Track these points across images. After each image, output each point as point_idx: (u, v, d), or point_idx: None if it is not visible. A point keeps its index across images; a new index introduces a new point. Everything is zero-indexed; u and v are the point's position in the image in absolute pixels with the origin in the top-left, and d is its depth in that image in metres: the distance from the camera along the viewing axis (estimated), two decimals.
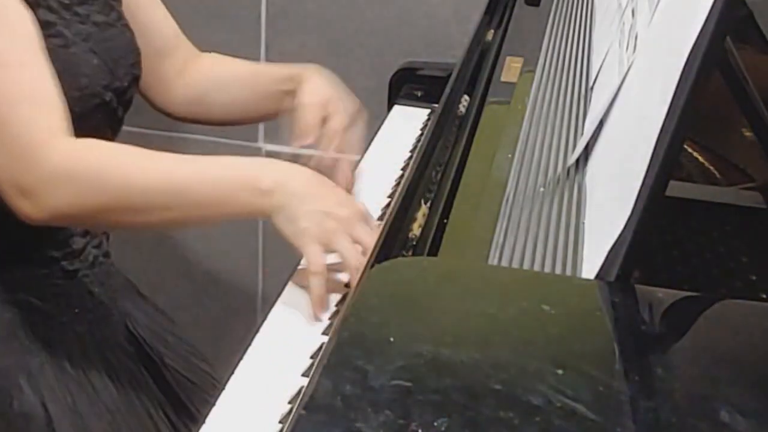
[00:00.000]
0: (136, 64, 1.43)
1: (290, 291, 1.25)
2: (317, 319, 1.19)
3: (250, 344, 1.16)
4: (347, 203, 1.25)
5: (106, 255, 1.47)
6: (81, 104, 1.30)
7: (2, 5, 1.25)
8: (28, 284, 1.37)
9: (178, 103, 1.57)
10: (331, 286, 1.22)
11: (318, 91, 1.47)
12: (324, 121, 1.45)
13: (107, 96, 1.35)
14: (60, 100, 1.25)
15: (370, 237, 1.21)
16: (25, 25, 1.27)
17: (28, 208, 1.22)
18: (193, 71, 1.57)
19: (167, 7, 2.18)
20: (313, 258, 1.20)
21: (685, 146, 1.33)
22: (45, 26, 1.29)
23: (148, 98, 1.56)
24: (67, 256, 1.40)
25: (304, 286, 1.23)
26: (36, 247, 1.35)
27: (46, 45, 1.27)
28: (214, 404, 1.07)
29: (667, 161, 0.89)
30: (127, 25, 1.43)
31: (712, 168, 1.34)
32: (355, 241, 1.22)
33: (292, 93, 1.50)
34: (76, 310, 1.40)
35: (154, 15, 1.53)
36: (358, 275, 1.17)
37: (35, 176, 1.21)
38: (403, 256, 1.15)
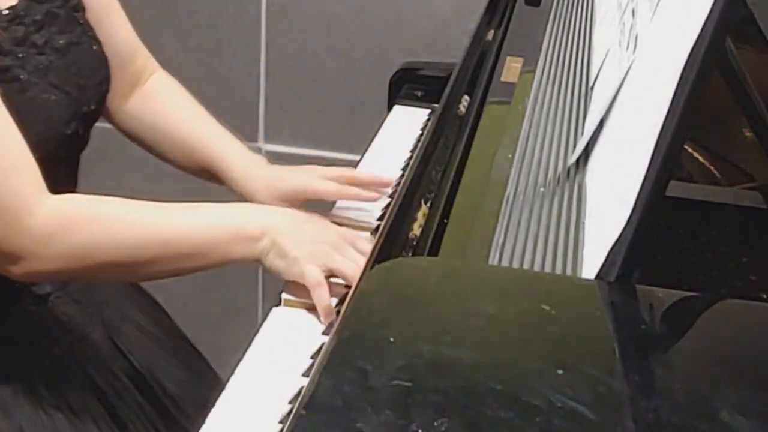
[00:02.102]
0: (106, 79, 1.38)
1: (290, 291, 1.25)
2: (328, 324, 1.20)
3: (250, 344, 1.16)
4: (333, 230, 1.27)
5: None
6: (44, 148, 1.25)
7: None
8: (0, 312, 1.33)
9: (124, 120, 1.50)
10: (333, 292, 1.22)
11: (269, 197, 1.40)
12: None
13: (69, 129, 1.31)
14: (29, 157, 1.20)
15: (359, 257, 1.22)
16: None
17: (18, 272, 1.21)
18: (145, 96, 1.50)
19: (170, 8, 2.19)
20: (310, 274, 1.20)
21: (685, 146, 1.33)
22: (1, 72, 1.24)
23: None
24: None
25: (302, 287, 1.23)
26: (1, 275, 1.29)
27: (3, 92, 1.22)
28: (214, 404, 1.07)
29: (667, 161, 0.89)
30: (94, 36, 1.37)
31: (712, 168, 1.34)
32: (348, 258, 1.23)
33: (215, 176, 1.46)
34: (52, 334, 1.36)
35: (114, 22, 1.45)
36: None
37: (20, 242, 1.19)
38: (403, 256, 1.15)
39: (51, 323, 1.36)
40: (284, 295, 1.23)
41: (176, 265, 1.24)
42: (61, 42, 1.31)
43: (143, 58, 1.51)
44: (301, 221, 1.26)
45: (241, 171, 1.43)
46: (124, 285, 1.51)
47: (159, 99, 1.50)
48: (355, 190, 1.39)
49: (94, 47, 1.36)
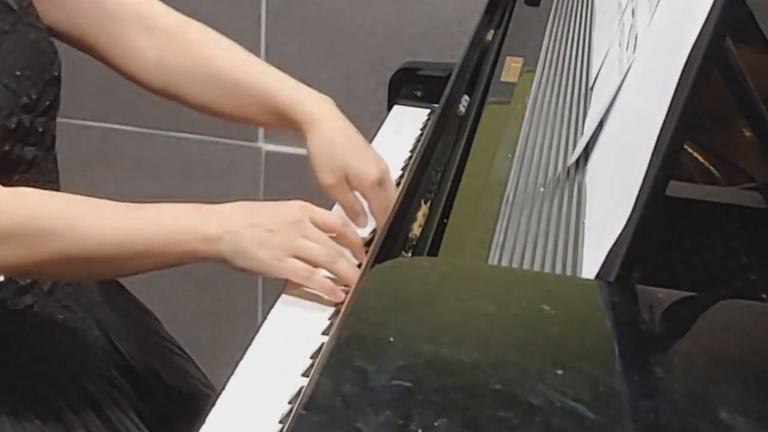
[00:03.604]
0: (48, 66, 1.30)
1: (290, 291, 1.25)
2: (339, 303, 1.20)
3: (250, 344, 1.16)
4: (283, 211, 1.23)
5: None
6: None
7: None
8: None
9: (151, 78, 1.44)
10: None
11: (331, 160, 1.36)
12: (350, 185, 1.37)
13: (13, 123, 1.24)
14: None
15: (319, 234, 1.21)
16: None
17: None
18: (173, 46, 1.43)
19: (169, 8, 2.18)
20: (294, 270, 1.20)
21: (686, 146, 1.33)
22: None
23: (121, 70, 1.44)
24: (14, 295, 1.29)
25: (304, 286, 1.23)
26: None
27: None
28: (214, 404, 1.07)
29: (667, 161, 0.89)
30: (32, 24, 1.29)
31: (712, 168, 1.34)
32: (312, 240, 1.21)
33: (286, 126, 1.42)
34: (38, 348, 1.31)
35: None
36: (333, 265, 1.20)
37: None
38: (403, 256, 1.15)
39: (36, 336, 1.31)
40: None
41: (133, 263, 1.21)
42: None
43: (139, 3, 1.43)
44: (253, 212, 1.22)
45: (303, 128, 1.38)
46: (106, 286, 1.47)
47: (198, 39, 1.45)
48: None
49: (31, 35, 1.28)
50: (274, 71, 1.44)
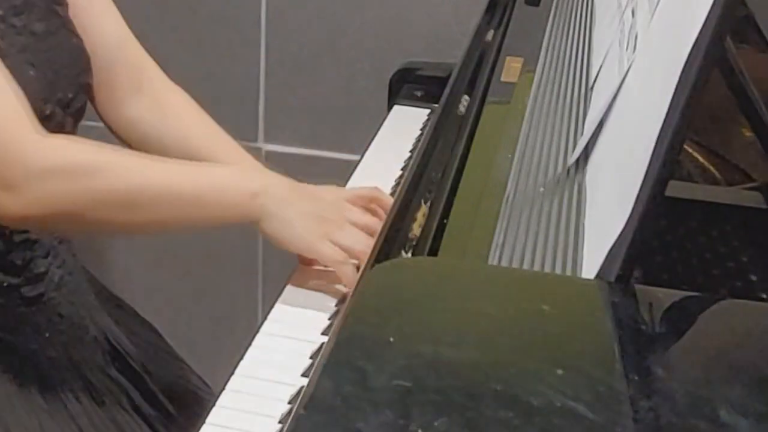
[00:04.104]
0: (84, 72, 1.35)
1: (290, 291, 1.25)
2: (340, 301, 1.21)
3: (250, 344, 1.16)
4: (332, 196, 1.27)
5: (71, 274, 1.39)
6: None
7: None
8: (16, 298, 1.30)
9: (125, 126, 1.46)
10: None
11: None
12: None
13: (48, 109, 1.28)
14: (25, 100, 1.20)
15: (368, 218, 1.25)
16: None
17: (10, 203, 1.17)
18: (157, 105, 1.46)
19: (168, 8, 2.19)
20: (329, 252, 1.21)
21: (685, 146, 1.33)
22: None
23: (100, 113, 1.46)
24: (28, 281, 1.32)
25: (304, 286, 1.23)
26: None
27: None
28: (214, 404, 1.07)
29: (667, 161, 0.89)
30: (73, 30, 1.35)
31: (712, 168, 1.34)
32: (357, 225, 1.24)
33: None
34: (47, 335, 1.33)
35: (98, 16, 1.42)
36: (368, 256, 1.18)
37: (20, 170, 1.16)
38: (403, 256, 1.15)
39: (44, 325, 1.34)
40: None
41: (172, 211, 1.22)
42: (38, 28, 1.30)
43: (136, 55, 1.46)
44: (299, 188, 1.26)
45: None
46: (104, 295, 1.49)
47: (169, 112, 1.46)
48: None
49: (73, 40, 1.34)
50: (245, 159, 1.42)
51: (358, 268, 1.21)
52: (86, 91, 1.35)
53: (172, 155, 1.39)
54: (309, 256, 1.24)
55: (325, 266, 1.25)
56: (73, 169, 1.19)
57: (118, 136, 1.46)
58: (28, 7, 1.30)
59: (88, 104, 1.38)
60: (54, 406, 1.32)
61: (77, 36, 1.35)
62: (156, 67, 1.48)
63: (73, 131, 1.33)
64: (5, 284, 1.29)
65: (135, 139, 1.45)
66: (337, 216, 1.24)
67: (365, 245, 1.21)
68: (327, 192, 1.30)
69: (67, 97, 1.31)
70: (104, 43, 1.41)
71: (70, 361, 1.35)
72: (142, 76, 1.46)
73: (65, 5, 1.35)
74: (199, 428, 1.04)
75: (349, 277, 1.20)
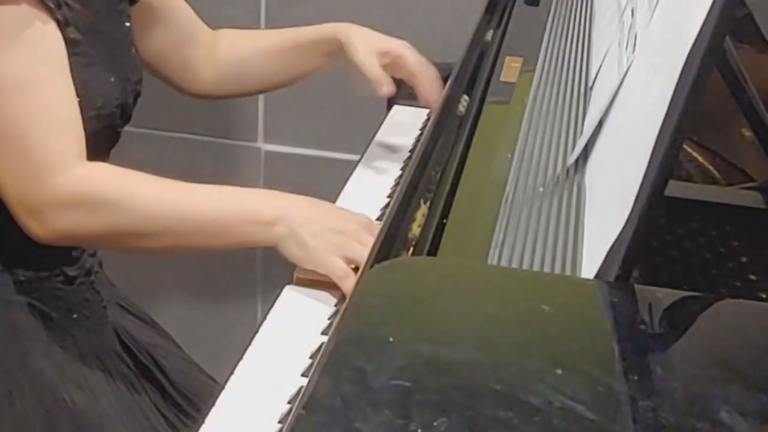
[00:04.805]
0: (140, 81, 1.44)
1: (290, 291, 1.25)
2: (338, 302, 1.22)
3: (250, 344, 1.16)
4: (348, 217, 1.28)
5: (100, 265, 1.48)
6: (95, 123, 1.32)
7: (28, 23, 1.24)
8: (31, 287, 1.37)
9: (210, 84, 1.63)
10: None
11: (368, 45, 1.57)
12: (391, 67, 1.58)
13: (117, 114, 1.37)
14: (77, 122, 1.26)
15: None
16: (50, 45, 1.26)
17: (35, 228, 1.25)
18: (217, 51, 1.62)
19: None
20: (334, 266, 1.22)
21: (685, 146, 1.33)
22: (71, 44, 1.29)
23: (179, 86, 1.62)
24: (69, 262, 1.40)
25: (304, 286, 1.23)
26: (40, 251, 1.34)
27: (70, 64, 1.28)
28: (213, 404, 1.07)
29: (667, 161, 0.89)
30: (133, 42, 1.44)
31: (712, 168, 1.34)
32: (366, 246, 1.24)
33: (331, 53, 1.61)
34: (74, 316, 1.40)
35: (174, 4, 1.57)
36: None
37: (45, 198, 1.23)
38: (403, 256, 1.14)
39: (74, 306, 1.40)
40: (297, 274, 1.24)
41: (191, 240, 1.28)
42: (116, 36, 1.39)
43: (207, 34, 1.62)
44: (317, 209, 1.28)
45: (343, 32, 1.61)
46: (115, 298, 1.55)
47: (231, 36, 1.65)
48: (427, 80, 1.58)
49: (133, 50, 1.44)
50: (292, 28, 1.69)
51: None
52: (137, 97, 1.44)
53: (262, 68, 1.64)
54: (320, 271, 1.24)
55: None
56: (93, 201, 1.24)
57: (197, 96, 1.64)
58: (111, 16, 1.38)
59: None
60: (79, 380, 1.38)
61: (135, 47, 1.45)
62: (211, 31, 1.65)
63: (120, 134, 1.41)
64: (52, 260, 1.37)
65: (223, 85, 1.63)
66: (351, 228, 1.25)
67: None
68: (355, 215, 1.31)
69: (128, 103, 1.40)
70: (182, 24, 1.57)
71: (91, 345, 1.41)
72: (212, 46, 1.63)
73: (129, 16, 1.44)
74: (199, 428, 1.04)
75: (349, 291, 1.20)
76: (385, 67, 1.56)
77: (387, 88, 1.54)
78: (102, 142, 1.37)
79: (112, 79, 1.35)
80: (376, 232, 1.26)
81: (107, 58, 1.35)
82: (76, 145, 1.25)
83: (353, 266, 1.22)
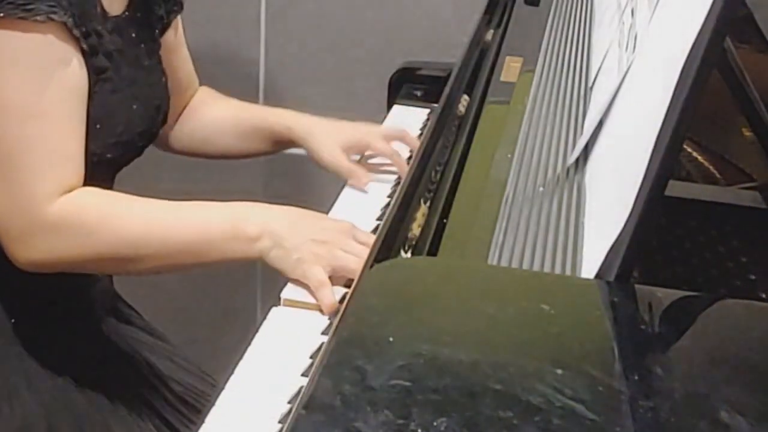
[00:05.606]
0: (166, 107, 1.46)
1: (290, 290, 1.25)
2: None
3: (249, 344, 1.16)
4: (329, 226, 1.28)
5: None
6: (115, 150, 1.33)
7: (48, 54, 1.24)
8: (33, 290, 1.36)
9: (179, 139, 1.62)
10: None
11: (332, 142, 1.52)
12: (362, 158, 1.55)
13: (141, 142, 1.39)
14: (77, 157, 1.26)
15: (361, 248, 1.23)
16: (68, 77, 1.25)
17: (17, 254, 1.26)
18: (191, 110, 1.62)
19: None
20: (313, 275, 1.21)
21: (685, 146, 1.33)
22: (98, 72, 1.29)
23: (162, 136, 1.58)
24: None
25: (304, 286, 1.23)
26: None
27: (95, 90, 1.28)
28: (213, 404, 1.07)
29: (667, 161, 0.89)
30: (163, 70, 1.45)
31: (711, 168, 1.34)
32: (351, 253, 1.24)
33: (288, 144, 1.58)
34: (74, 321, 1.41)
35: (181, 54, 1.57)
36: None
37: (27, 226, 1.24)
38: (403, 256, 1.14)
39: (75, 311, 1.41)
40: (284, 295, 1.23)
41: (178, 260, 1.27)
42: (146, 63, 1.40)
43: (195, 87, 1.63)
44: (298, 220, 1.27)
45: (303, 129, 1.54)
46: (118, 305, 1.55)
47: (206, 105, 1.62)
48: (403, 162, 1.50)
49: (163, 79, 1.45)
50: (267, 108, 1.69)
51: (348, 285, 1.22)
52: (163, 122, 1.46)
53: (225, 139, 1.61)
54: (303, 281, 1.24)
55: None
56: (76, 227, 1.25)
57: (175, 150, 1.63)
58: (140, 42, 1.39)
59: None
60: (79, 383, 1.38)
61: (165, 75, 1.46)
62: (195, 76, 1.64)
63: (139, 154, 1.43)
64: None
65: (189, 144, 1.62)
66: (332, 237, 1.25)
67: (358, 264, 1.20)
68: (336, 222, 1.31)
69: (155, 131, 1.42)
70: (179, 80, 1.55)
71: (90, 351, 1.42)
72: (191, 94, 1.63)
73: (160, 45, 1.45)
74: (199, 428, 1.04)
75: (324, 301, 1.20)
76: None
77: (365, 179, 1.49)
78: (121, 164, 1.40)
79: (134, 106, 1.35)
80: (360, 235, 1.27)
81: (134, 85, 1.35)
82: (71, 179, 1.25)
83: (341, 274, 1.22)
